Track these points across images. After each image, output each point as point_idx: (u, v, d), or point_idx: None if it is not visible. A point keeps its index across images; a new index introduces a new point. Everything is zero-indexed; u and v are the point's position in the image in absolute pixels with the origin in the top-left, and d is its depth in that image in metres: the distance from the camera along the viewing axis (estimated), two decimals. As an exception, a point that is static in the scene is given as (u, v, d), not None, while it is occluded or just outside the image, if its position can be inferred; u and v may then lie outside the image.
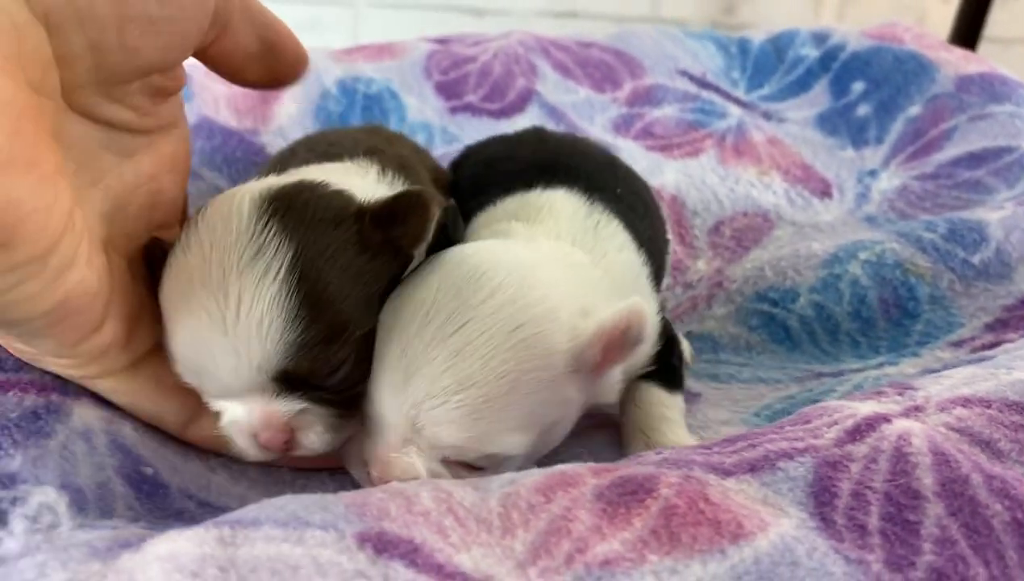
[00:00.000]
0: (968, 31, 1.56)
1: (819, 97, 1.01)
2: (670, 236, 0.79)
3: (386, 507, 0.39)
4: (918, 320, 0.71)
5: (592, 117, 0.98)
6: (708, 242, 0.86)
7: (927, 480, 0.41)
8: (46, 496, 0.43)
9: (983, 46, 1.56)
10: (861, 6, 1.93)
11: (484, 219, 0.60)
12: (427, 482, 0.42)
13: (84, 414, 0.50)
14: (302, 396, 0.49)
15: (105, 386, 0.51)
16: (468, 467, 0.49)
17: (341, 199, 0.52)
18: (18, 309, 0.42)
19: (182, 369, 0.49)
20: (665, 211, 0.79)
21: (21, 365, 0.49)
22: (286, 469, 0.56)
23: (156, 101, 0.50)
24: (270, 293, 0.46)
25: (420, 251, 0.54)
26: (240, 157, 0.85)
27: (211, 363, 0.47)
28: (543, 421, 0.50)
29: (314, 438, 0.50)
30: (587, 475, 0.42)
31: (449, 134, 0.95)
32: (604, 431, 0.62)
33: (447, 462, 0.49)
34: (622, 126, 0.98)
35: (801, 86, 1.03)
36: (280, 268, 0.47)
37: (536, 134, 0.75)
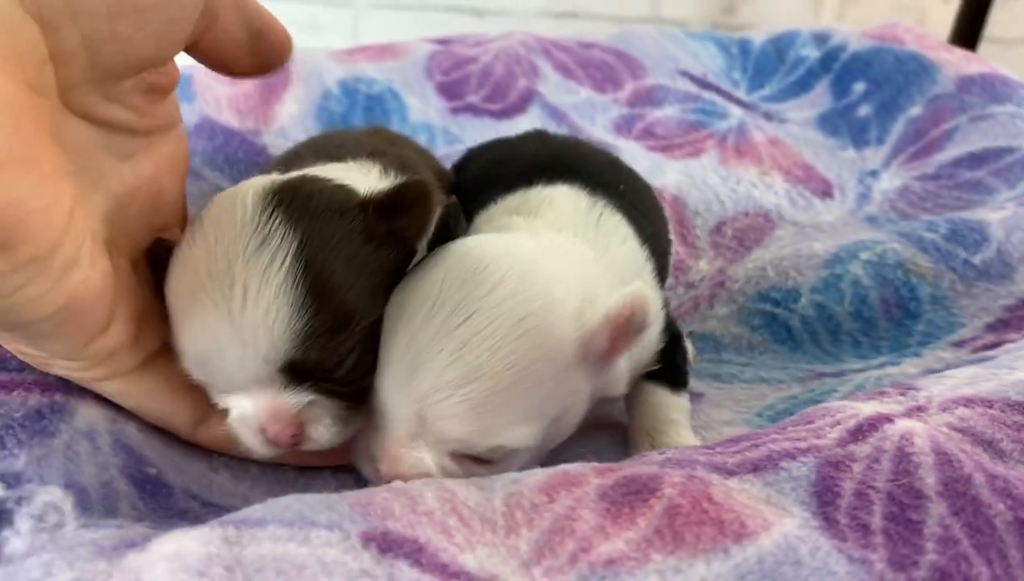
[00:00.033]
0: (968, 31, 1.56)
1: (820, 97, 1.02)
2: (672, 237, 0.79)
3: (390, 507, 0.39)
4: (919, 320, 0.71)
5: (593, 118, 0.99)
6: (710, 242, 0.86)
7: (930, 480, 0.41)
8: (51, 495, 0.43)
9: (983, 46, 1.56)
10: (861, 6, 1.93)
11: (486, 216, 0.60)
12: (431, 482, 0.42)
13: (88, 414, 0.50)
14: (310, 388, 0.49)
15: (114, 388, 0.51)
16: (477, 461, 0.49)
17: (344, 192, 0.52)
18: (25, 311, 0.42)
19: (189, 364, 0.49)
20: (667, 211, 0.79)
21: (25, 365, 0.49)
22: (289, 468, 0.56)
23: (152, 99, 0.50)
24: (276, 282, 0.46)
25: (422, 246, 0.54)
26: (242, 157, 0.85)
27: (218, 355, 0.47)
28: (551, 412, 0.50)
29: (322, 431, 0.50)
30: (591, 475, 0.42)
31: (451, 134, 0.95)
32: (607, 431, 0.63)
33: (456, 456, 0.49)
34: (623, 127, 0.98)
35: (802, 87, 1.03)
36: (286, 257, 0.47)
37: (538, 136, 0.75)
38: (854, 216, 0.87)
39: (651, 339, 0.57)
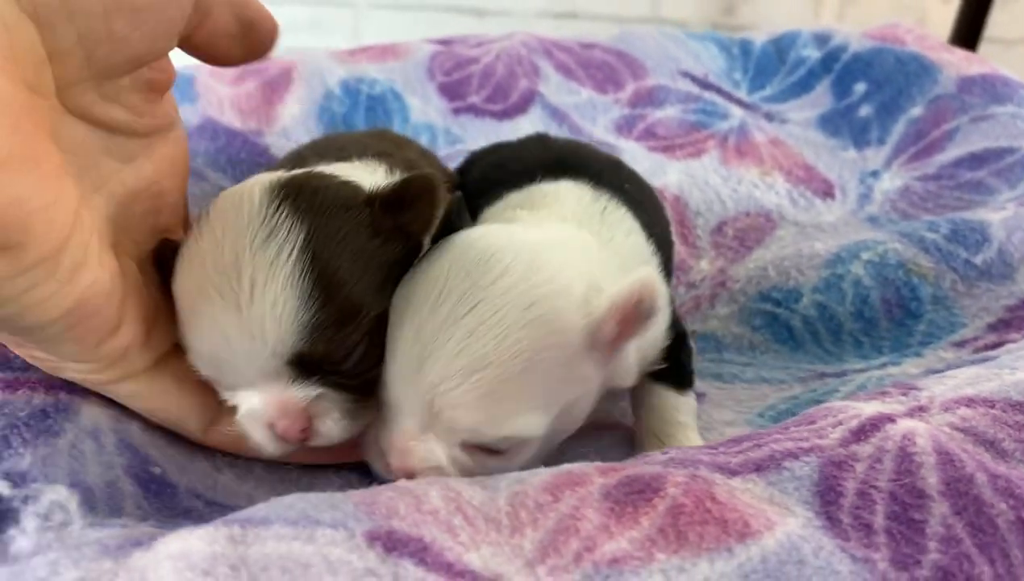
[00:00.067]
0: (968, 32, 1.56)
1: (821, 98, 1.02)
2: (674, 238, 0.79)
3: (395, 506, 0.39)
4: (921, 320, 0.71)
5: (595, 118, 0.99)
6: (711, 242, 0.86)
7: (932, 479, 0.41)
8: (57, 494, 0.43)
9: (983, 47, 1.56)
10: (861, 6, 1.93)
11: (490, 213, 0.60)
12: (435, 481, 0.42)
13: (92, 413, 0.50)
14: (318, 382, 0.49)
15: (126, 391, 0.50)
16: (487, 452, 0.49)
17: (350, 188, 0.52)
18: (35, 313, 0.42)
19: (198, 359, 0.49)
20: (668, 212, 0.79)
21: (28, 364, 0.49)
22: (293, 467, 0.56)
23: (150, 98, 0.50)
24: (283, 274, 0.46)
25: (427, 241, 0.54)
26: (244, 158, 0.85)
27: (226, 348, 0.47)
28: (560, 401, 0.49)
29: (331, 425, 0.50)
30: (594, 474, 0.42)
31: (452, 135, 0.96)
32: (611, 431, 0.63)
33: (466, 447, 0.48)
34: (624, 127, 0.98)
35: (803, 87, 1.03)
36: (292, 250, 0.47)
37: (540, 139, 0.75)
38: (855, 216, 0.87)
39: (659, 332, 0.57)
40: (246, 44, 0.54)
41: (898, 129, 0.95)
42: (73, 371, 0.48)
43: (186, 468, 0.53)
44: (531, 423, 0.48)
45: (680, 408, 0.59)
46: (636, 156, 0.92)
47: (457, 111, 0.98)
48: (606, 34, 1.11)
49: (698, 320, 0.78)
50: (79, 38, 0.42)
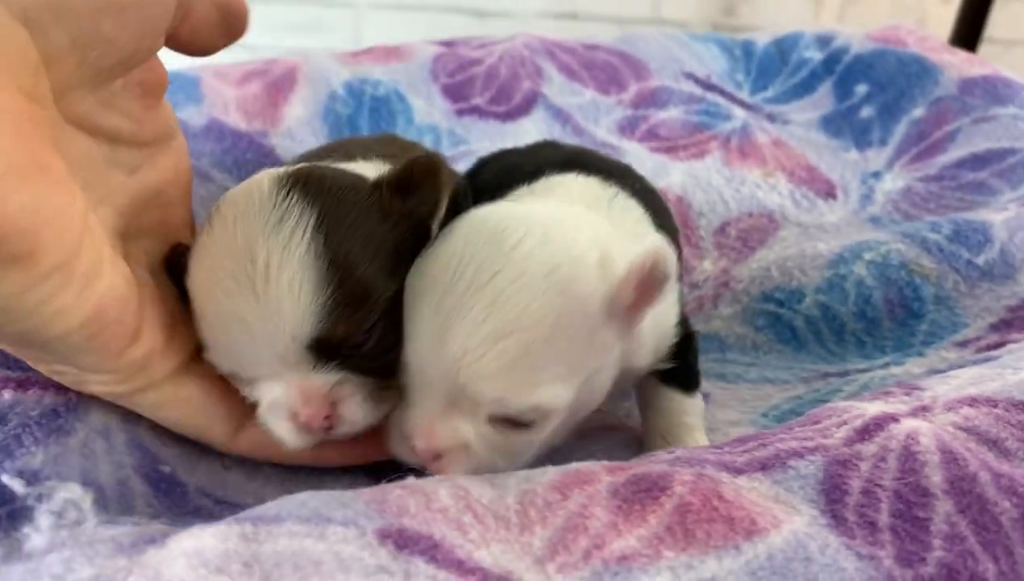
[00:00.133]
0: (968, 32, 1.56)
1: (823, 99, 1.02)
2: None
3: (405, 504, 0.40)
4: (923, 320, 0.72)
5: (597, 119, 0.99)
6: (714, 242, 0.86)
7: (936, 478, 0.41)
8: (71, 492, 0.44)
9: (983, 48, 1.56)
10: (861, 7, 1.94)
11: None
12: (444, 480, 0.43)
13: (102, 412, 0.50)
14: (338, 366, 0.49)
15: (151, 400, 0.50)
16: (513, 425, 0.48)
17: (357, 177, 0.53)
18: (55, 324, 0.42)
19: (216, 353, 0.49)
20: (673, 215, 0.79)
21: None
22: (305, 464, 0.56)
23: (146, 104, 0.50)
24: (297, 255, 0.46)
25: (435, 226, 0.54)
26: (250, 159, 0.86)
27: (245, 335, 0.47)
28: (584, 370, 0.49)
29: (355, 409, 0.49)
30: (602, 473, 0.42)
31: (456, 136, 0.96)
32: (618, 432, 0.63)
33: (492, 421, 0.48)
34: (627, 128, 0.98)
35: (805, 88, 1.04)
36: (305, 231, 0.47)
37: (550, 144, 0.76)
38: (857, 217, 0.88)
39: (672, 317, 0.57)
40: (226, 30, 0.54)
41: (900, 130, 0.95)
42: (96, 384, 0.48)
43: (195, 467, 0.53)
44: (557, 392, 0.47)
45: (688, 410, 0.59)
46: (639, 157, 0.92)
47: (461, 112, 0.98)
48: (607, 35, 1.12)
49: (701, 320, 0.79)
50: (71, 41, 0.42)
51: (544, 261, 0.47)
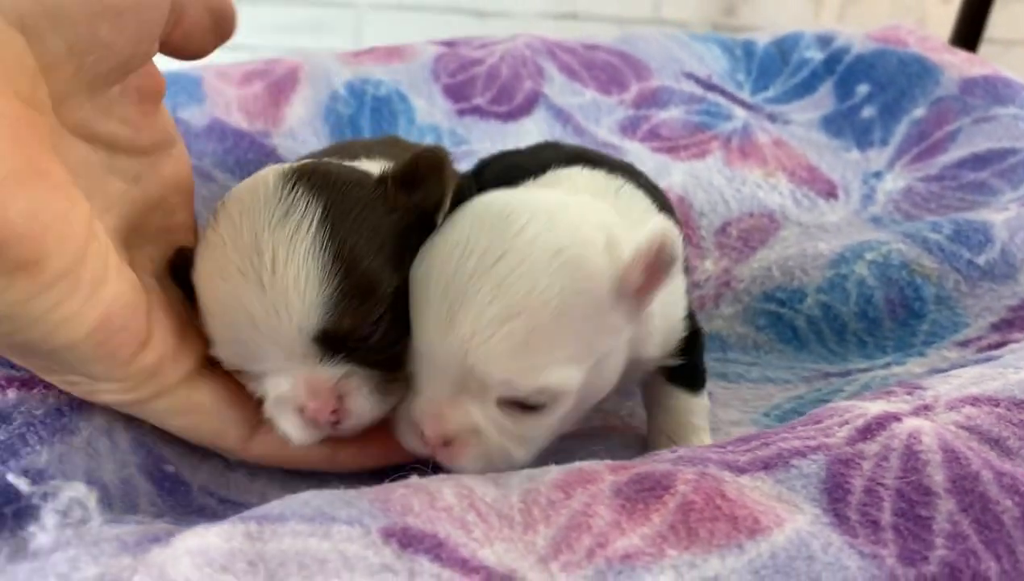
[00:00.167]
0: (968, 32, 1.57)
1: (824, 99, 1.02)
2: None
3: (409, 503, 0.40)
4: (924, 320, 0.72)
5: (599, 119, 0.99)
6: (715, 242, 0.86)
7: (938, 477, 0.41)
8: (76, 491, 0.44)
9: (983, 48, 1.56)
10: (861, 7, 1.94)
11: None
12: (448, 479, 0.43)
13: (106, 412, 0.50)
14: (345, 359, 0.48)
15: (163, 407, 0.50)
16: (523, 409, 0.48)
17: (361, 172, 0.53)
18: (63, 332, 0.42)
19: (223, 347, 0.49)
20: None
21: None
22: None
23: (144, 110, 0.50)
24: (304, 247, 0.46)
25: (440, 219, 0.54)
26: (252, 159, 0.86)
27: (251, 328, 0.47)
28: (593, 353, 0.49)
29: (362, 402, 0.49)
30: (605, 472, 0.43)
31: (457, 136, 0.96)
32: (621, 432, 0.63)
33: (502, 404, 0.48)
34: (628, 128, 0.98)
35: (806, 88, 1.04)
36: (311, 224, 0.47)
37: (551, 144, 0.76)
38: (858, 217, 0.88)
39: (679, 309, 0.57)
40: (217, 32, 0.54)
41: (901, 130, 0.95)
42: (107, 393, 0.47)
43: (198, 466, 0.53)
44: (566, 375, 0.47)
45: (694, 411, 0.60)
46: (640, 157, 0.92)
47: (462, 112, 0.98)
48: (607, 35, 1.12)
49: (703, 320, 0.79)
50: (68, 47, 0.42)
51: (550, 243, 0.47)
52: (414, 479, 0.43)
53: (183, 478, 0.51)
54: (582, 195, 0.54)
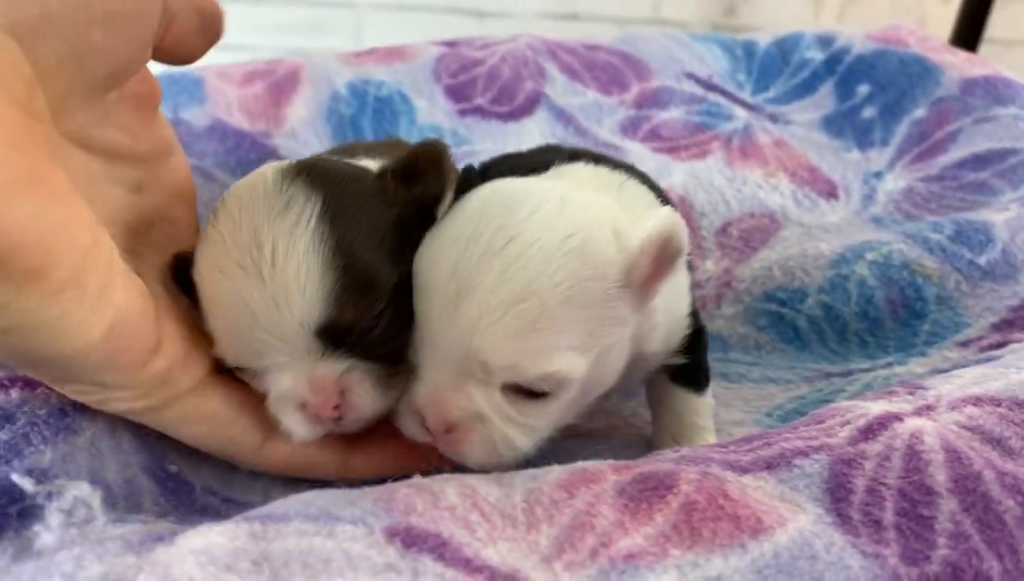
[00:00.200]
0: (968, 33, 1.57)
1: (824, 100, 1.02)
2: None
3: (412, 502, 0.40)
4: (925, 320, 0.72)
5: (600, 120, 0.99)
6: (716, 242, 0.86)
7: (940, 476, 0.42)
8: (80, 490, 0.44)
9: (983, 48, 1.57)
10: (861, 7, 1.94)
11: None
12: (451, 478, 0.43)
13: (109, 412, 0.50)
14: (347, 353, 0.48)
15: (176, 414, 0.49)
16: (526, 396, 0.48)
17: (361, 168, 0.53)
18: (74, 341, 0.41)
19: (225, 344, 0.49)
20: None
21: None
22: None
23: (141, 117, 0.51)
24: (304, 240, 0.46)
25: (441, 211, 0.54)
26: (253, 159, 0.86)
27: (252, 323, 0.47)
28: (598, 343, 0.48)
29: (364, 396, 0.49)
30: (608, 472, 0.43)
31: (459, 136, 0.96)
32: (624, 432, 0.63)
33: (505, 390, 0.48)
34: (629, 128, 0.98)
35: (807, 89, 1.04)
36: (311, 218, 0.47)
37: (553, 147, 0.76)
38: (859, 217, 0.88)
39: (683, 305, 0.57)
40: (207, 35, 0.54)
41: (901, 130, 0.95)
42: (120, 401, 0.47)
43: (201, 465, 0.53)
44: (571, 362, 0.47)
45: (699, 411, 0.60)
46: (641, 157, 0.92)
47: (463, 113, 0.99)
48: (607, 35, 1.12)
49: (704, 320, 0.79)
50: (62, 53, 0.42)
51: (560, 228, 0.47)
52: (417, 479, 0.43)
53: (186, 478, 0.51)
54: (586, 190, 0.54)
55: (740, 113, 1.00)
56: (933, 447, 0.43)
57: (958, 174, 0.87)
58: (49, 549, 0.40)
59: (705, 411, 0.60)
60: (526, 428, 0.49)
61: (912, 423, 0.45)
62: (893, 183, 0.91)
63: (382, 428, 0.52)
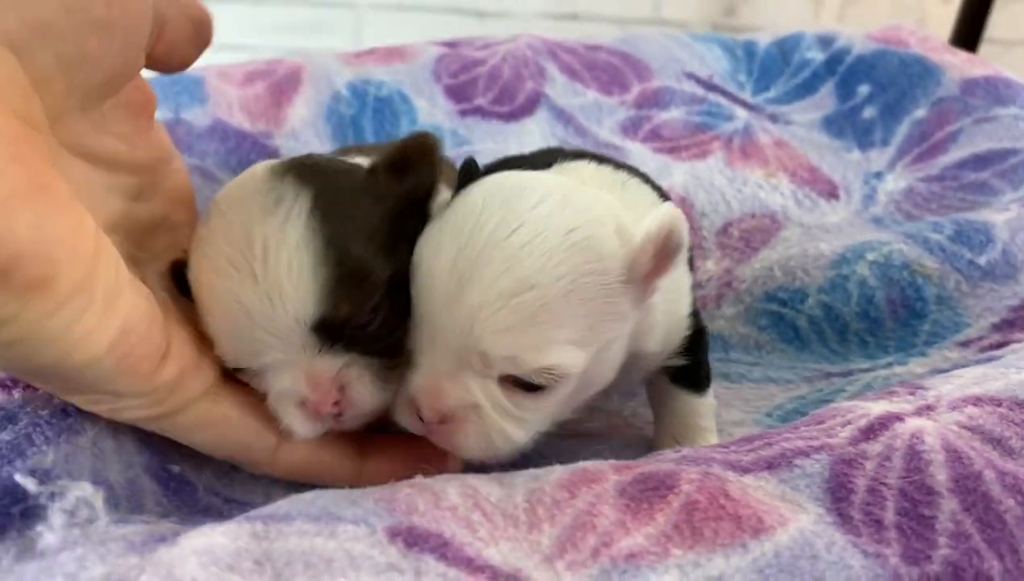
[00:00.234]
0: (969, 33, 1.57)
1: (825, 100, 1.02)
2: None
3: (414, 502, 0.40)
4: (925, 320, 0.72)
5: (600, 120, 0.99)
6: (716, 242, 0.87)
7: (941, 476, 0.42)
8: (83, 491, 0.44)
9: (983, 48, 1.57)
10: (861, 7, 1.94)
11: None
12: (453, 478, 0.43)
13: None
14: (344, 348, 0.48)
15: (188, 421, 0.48)
16: (524, 389, 0.48)
17: (352, 165, 0.53)
18: (83, 349, 0.41)
19: (223, 344, 0.48)
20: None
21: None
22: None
23: (138, 125, 0.51)
24: (295, 235, 0.46)
25: (434, 205, 0.54)
26: (254, 159, 0.85)
27: (248, 322, 0.46)
28: (598, 338, 0.48)
29: (363, 391, 0.49)
30: (609, 471, 0.43)
31: (459, 137, 0.96)
32: (624, 432, 0.63)
33: (503, 382, 0.47)
34: (630, 128, 0.99)
35: (807, 89, 1.04)
36: (301, 213, 0.46)
37: (557, 149, 0.76)
38: (860, 217, 0.88)
39: (683, 305, 0.57)
40: (197, 42, 0.53)
41: (902, 131, 0.95)
42: (131, 409, 0.46)
43: (203, 466, 0.53)
44: (570, 356, 0.47)
45: (700, 412, 0.60)
46: (642, 157, 0.92)
47: (464, 113, 0.99)
48: (607, 35, 1.12)
49: (705, 320, 0.79)
50: (57, 62, 0.42)
51: (564, 221, 0.47)
52: (419, 479, 0.43)
53: (188, 478, 0.51)
54: (589, 187, 0.54)
55: (740, 113, 1.00)
56: (934, 447, 0.43)
57: (958, 174, 0.87)
58: (52, 549, 0.40)
59: (706, 412, 0.60)
60: (522, 421, 0.49)
61: (913, 423, 0.45)
62: (893, 183, 0.91)
63: (397, 435, 0.52)
